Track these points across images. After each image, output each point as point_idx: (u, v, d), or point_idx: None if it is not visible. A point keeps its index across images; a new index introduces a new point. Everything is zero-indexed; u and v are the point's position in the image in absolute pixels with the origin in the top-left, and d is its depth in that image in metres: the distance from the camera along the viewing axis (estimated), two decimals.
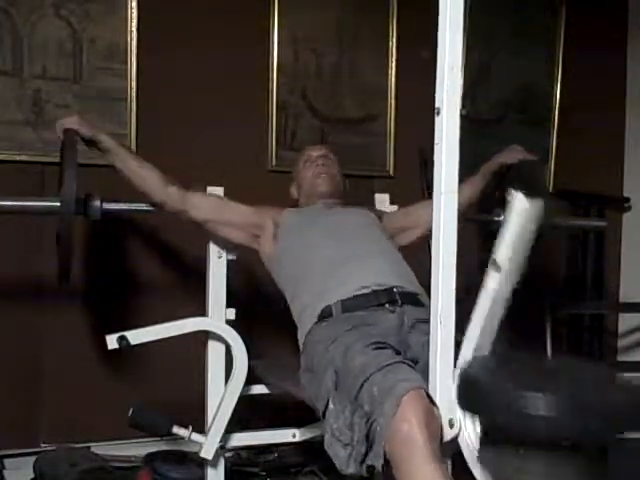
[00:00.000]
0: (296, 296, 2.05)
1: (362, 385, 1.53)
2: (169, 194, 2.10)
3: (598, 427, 1.11)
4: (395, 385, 1.46)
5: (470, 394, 1.19)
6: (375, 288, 1.91)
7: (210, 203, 2.18)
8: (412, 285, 1.98)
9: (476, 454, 1.36)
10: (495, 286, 1.31)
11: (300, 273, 2.06)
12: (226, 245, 2.23)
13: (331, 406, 1.61)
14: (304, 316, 1.98)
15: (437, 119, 1.43)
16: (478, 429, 1.36)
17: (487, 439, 1.23)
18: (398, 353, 1.68)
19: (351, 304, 1.89)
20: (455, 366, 1.39)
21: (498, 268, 1.29)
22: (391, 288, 1.91)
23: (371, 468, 1.50)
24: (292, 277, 2.08)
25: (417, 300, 1.91)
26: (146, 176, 2.08)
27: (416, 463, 1.37)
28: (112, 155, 2.07)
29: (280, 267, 2.15)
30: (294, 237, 2.14)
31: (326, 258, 2.03)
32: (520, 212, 1.30)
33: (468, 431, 1.38)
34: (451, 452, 1.46)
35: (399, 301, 1.88)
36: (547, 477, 1.12)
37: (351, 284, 1.92)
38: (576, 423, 1.09)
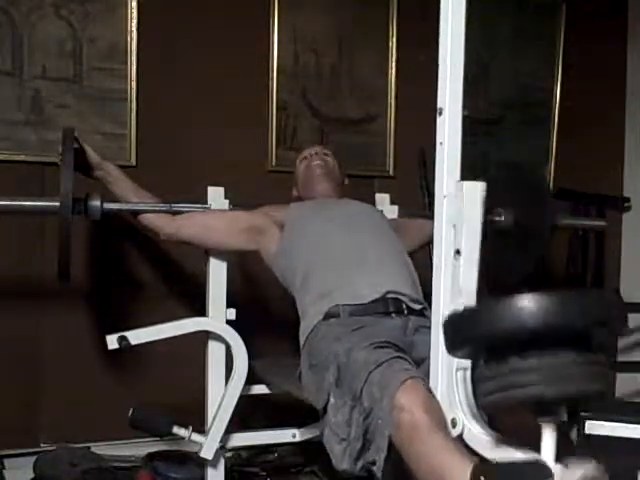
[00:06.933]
0: (307, 282, 2.05)
1: (362, 387, 1.55)
2: (163, 224, 2.19)
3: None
4: (391, 379, 1.49)
5: (460, 323, 1.23)
6: (387, 296, 1.95)
7: (196, 219, 2.21)
8: (419, 295, 2.03)
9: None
10: (461, 268, 1.40)
11: (314, 258, 2.07)
12: (228, 254, 2.25)
13: (332, 400, 1.64)
14: (311, 309, 1.99)
15: (439, 119, 1.43)
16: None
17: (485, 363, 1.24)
18: (404, 353, 1.69)
19: (358, 309, 1.92)
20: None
21: (459, 253, 1.41)
22: (400, 301, 1.95)
23: (369, 464, 1.51)
24: (304, 262, 2.08)
25: (422, 313, 1.96)
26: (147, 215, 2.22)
27: (424, 440, 1.38)
28: (113, 184, 2.17)
29: (290, 255, 2.13)
30: (305, 225, 2.16)
31: (341, 248, 2.06)
32: (468, 197, 1.40)
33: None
34: None
35: (405, 311, 1.94)
36: (547, 370, 1.14)
37: (364, 290, 1.96)
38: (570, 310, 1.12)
